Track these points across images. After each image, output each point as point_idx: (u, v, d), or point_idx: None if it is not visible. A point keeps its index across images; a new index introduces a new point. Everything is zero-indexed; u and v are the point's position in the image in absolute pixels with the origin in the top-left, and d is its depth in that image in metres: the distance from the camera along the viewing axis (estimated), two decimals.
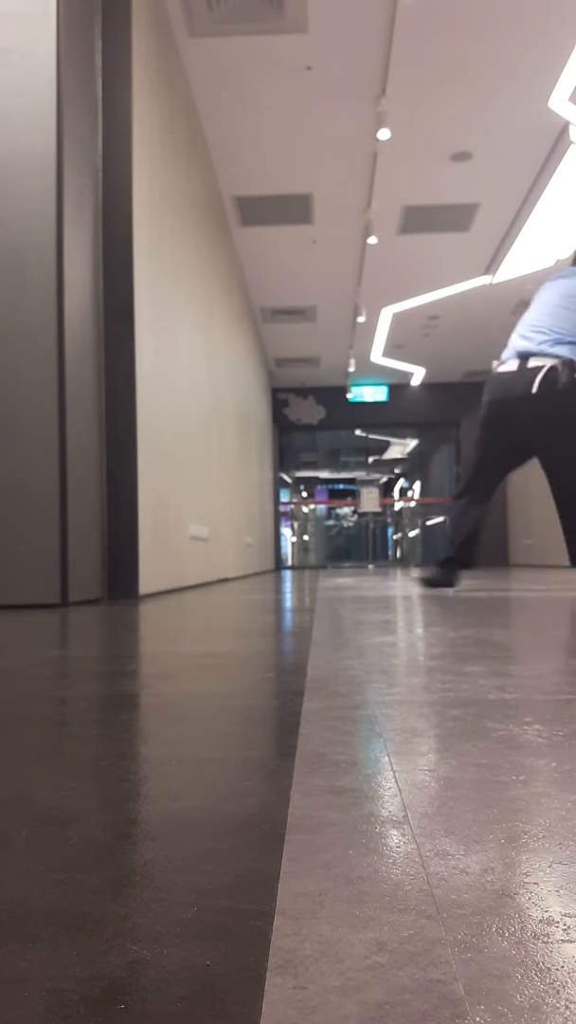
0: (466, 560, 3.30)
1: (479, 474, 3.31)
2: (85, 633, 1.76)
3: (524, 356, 3.14)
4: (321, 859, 0.42)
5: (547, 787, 0.54)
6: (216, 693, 0.93)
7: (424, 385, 12.04)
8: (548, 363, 3.06)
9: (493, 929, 0.34)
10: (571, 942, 0.32)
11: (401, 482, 20.51)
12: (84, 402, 3.01)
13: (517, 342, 3.20)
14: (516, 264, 7.22)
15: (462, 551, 3.28)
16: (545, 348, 3.08)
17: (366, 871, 0.40)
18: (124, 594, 3.21)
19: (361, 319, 8.35)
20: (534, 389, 3.05)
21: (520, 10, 3.98)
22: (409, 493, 19.25)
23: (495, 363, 3.34)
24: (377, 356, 10.57)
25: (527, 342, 3.15)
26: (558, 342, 3.08)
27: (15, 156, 2.79)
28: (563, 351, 3.05)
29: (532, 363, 3.09)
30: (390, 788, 0.54)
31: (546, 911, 0.35)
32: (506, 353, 3.24)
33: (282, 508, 12.90)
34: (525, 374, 3.09)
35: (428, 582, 3.38)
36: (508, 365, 3.19)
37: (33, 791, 0.56)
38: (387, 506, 16.50)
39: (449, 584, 3.35)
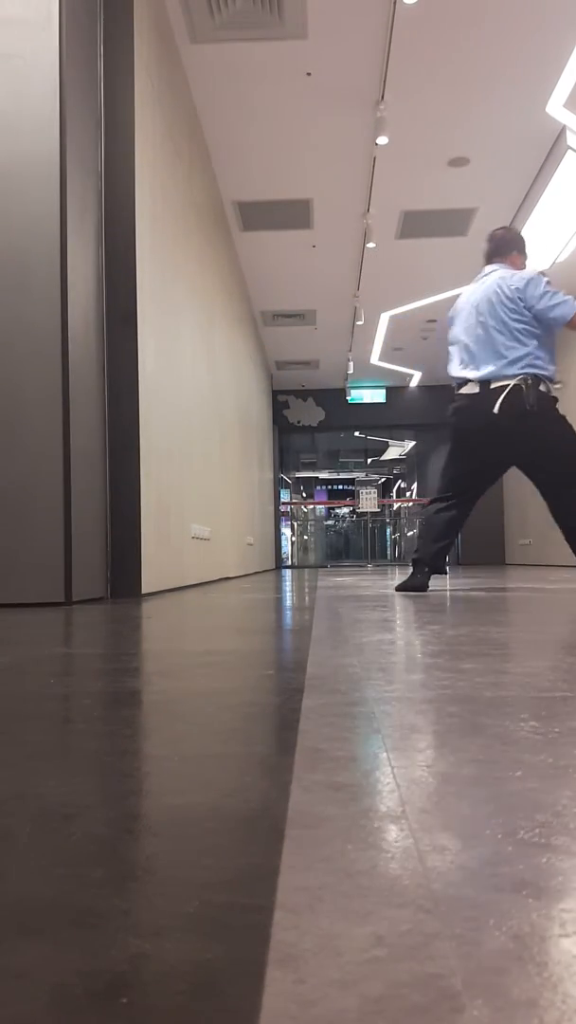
0: (438, 567, 3.19)
1: (455, 485, 3.22)
2: (88, 631, 1.76)
3: (483, 381, 3.08)
4: (321, 854, 0.42)
5: (543, 783, 0.54)
6: (217, 690, 0.93)
7: (422, 387, 12.07)
8: (502, 384, 2.99)
9: (490, 924, 0.34)
10: (568, 937, 0.33)
11: (399, 483, 20.52)
12: (87, 404, 3.01)
13: (471, 364, 3.13)
14: None
15: (436, 557, 3.17)
16: (502, 370, 3.01)
17: (365, 865, 0.41)
18: (127, 593, 3.22)
19: (360, 322, 8.37)
20: (495, 409, 2.99)
21: (518, 16, 4.00)
22: (407, 493, 19.26)
23: (455, 383, 3.26)
24: (376, 359, 10.58)
25: (487, 367, 3.06)
26: (504, 358, 3.01)
27: (19, 162, 2.79)
28: (528, 369, 2.97)
29: (494, 385, 3.03)
30: (388, 784, 0.54)
31: (543, 906, 0.36)
32: (465, 373, 3.16)
33: (282, 508, 12.91)
34: (486, 396, 3.03)
35: (403, 587, 3.26)
36: (470, 387, 3.13)
37: (37, 787, 0.56)
38: (385, 506, 16.51)
39: (423, 587, 3.22)
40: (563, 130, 5.04)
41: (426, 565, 3.20)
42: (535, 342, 3.03)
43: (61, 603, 2.73)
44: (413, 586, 3.22)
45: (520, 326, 3.03)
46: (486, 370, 3.08)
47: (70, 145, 2.85)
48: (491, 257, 3.28)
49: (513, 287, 3.06)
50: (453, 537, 3.23)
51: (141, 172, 3.38)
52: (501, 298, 3.08)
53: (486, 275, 3.24)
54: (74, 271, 2.88)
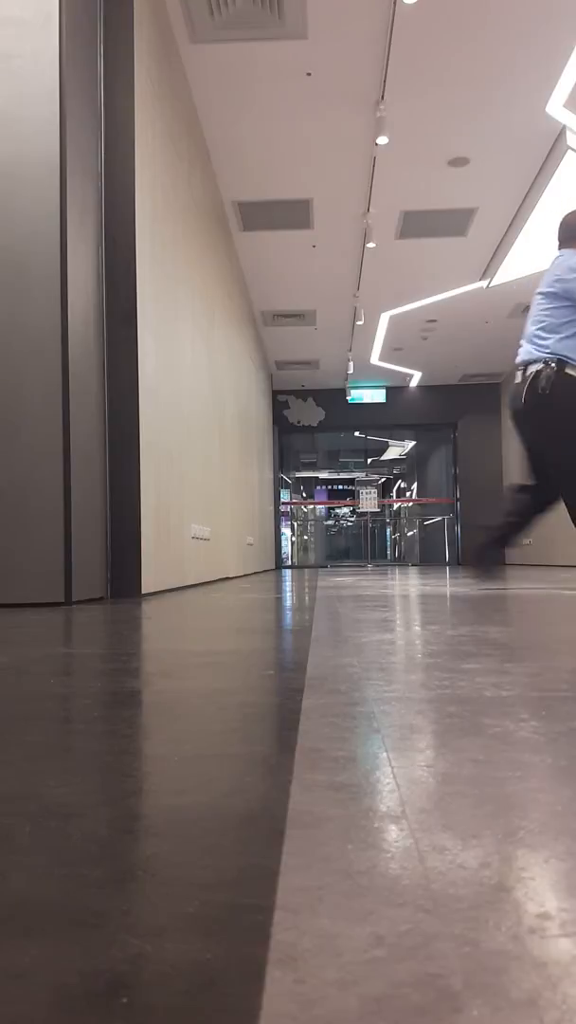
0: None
1: (527, 468, 3.29)
2: (88, 631, 1.76)
3: (523, 365, 3.12)
4: (321, 854, 0.42)
5: (543, 783, 0.54)
6: (217, 690, 0.93)
7: (421, 387, 12.08)
8: (534, 368, 3.03)
9: (490, 923, 0.34)
10: (567, 936, 0.33)
11: (399, 483, 20.54)
12: (87, 404, 3.02)
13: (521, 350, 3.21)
14: (512, 269, 7.23)
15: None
16: (535, 353, 3.06)
17: (365, 865, 0.41)
18: (127, 593, 3.22)
19: (360, 322, 8.37)
20: (523, 399, 3.06)
21: (517, 16, 4.00)
22: (407, 493, 19.28)
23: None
24: (376, 359, 10.58)
25: (527, 348, 3.13)
26: (542, 342, 3.04)
27: (19, 163, 2.80)
28: (546, 353, 3.00)
29: (529, 370, 3.08)
30: (388, 784, 0.55)
31: (542, 906, 0.36)
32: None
33: (282, 508, 12.91)
34: (522, 383, 3.10)
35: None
36: (516, 375, 3.20)
37: (37, 787, 0.56)
38: (386, 506, 16.52)
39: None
40: (563, 130, 5.04)
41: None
42: (572, 329, 3.03)
43: (61, 603, 2.74)
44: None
45: (552, 312, 3.05)
46: (523, 357, 3.16)
47: (70, 146, 2.85)
48: (561, 244, 3.26)
49: (554, 276, 3.09)
50: (524, 513, 3.24)
51: (141, 172, 3.38)
52: (542, 287, 3.13)
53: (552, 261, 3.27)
54: (74, 271, 2.88)
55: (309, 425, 12.28)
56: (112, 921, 0.35)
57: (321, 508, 17.95)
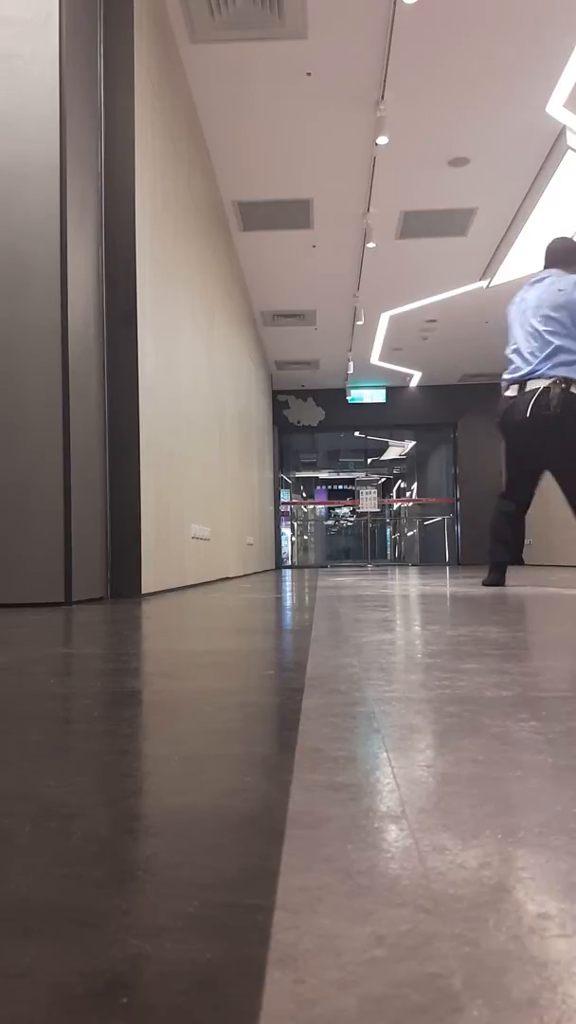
0: (515, 558, 3.52)
1: (512, 484, 3.50)
2: (88, 631, 1.76)
3: (521, 380, 3.21)
4: (321, 854, 0.42)
5: (543, 783, 0.54)
6: (217, 690, 0.93)
7: (421, 387, 12.09)
8: (541, 385, 3.12)
9: (490, 923, 0.34)
10: (567, 937, 0.33)
11: (399, 483, 20.55)
12: (87, 404, 3.02)
13: (513, 364, 3.27)
14: (512, 269, 7.23)
15: (510, 553, 3.49)
16: (542, 369, 3.14)
17: (365, 865, 0.41)
18: (126, 593, 3.22)
19: (360, 322, 8.37)
20: (527, 414, 3.14)
21: (517, 16, 4.00)
22: (407, 493, 19.29)
23: (503, 383, 3.39)
24: (376, 359, 10.59)
25: (521, 363, 3.20)
26: (552, 360, 3.13)
27: (19, 163, 2.80)
28: (560, 371, 3.09)
29: (529, 386, 3.17)
30: (388, 784, 0.54)
31: (543, 906, 0.36)
32: (510, 376, 3.30)
33: (282, 508, 12.91)
34: (524, 399, 3.18)
35: (486, 583, 3.58)
36: (511, 390, 3.27)
37: (37, 787, 0.56)
38: (385, 506, 16.53)
39: (501, 583, 3.55)
40: (563, 130, 5.04)
41: (498, 561, 3.55)
42: (572, 346, 3.12)
43: (61, 603, 2.74)
44: (493, 582, 3.58)
45: (555, 331, 3.15)
46: (522, 373, 3.24)
47: (70, 146, 2.85)
48: (551, 265, 3.37)
49: (557, 288, 3.17)
50: (520, 529, 3.53)
51: (141, 172, 3.38)
52: (542, 303, 3.20)
53: (540, 280, 3.33)
54: (74, 271, 2.88)
55: (309, 425, 12.29)
56: (112, 921, 0.35)
57: (321, 508, 17.96)
